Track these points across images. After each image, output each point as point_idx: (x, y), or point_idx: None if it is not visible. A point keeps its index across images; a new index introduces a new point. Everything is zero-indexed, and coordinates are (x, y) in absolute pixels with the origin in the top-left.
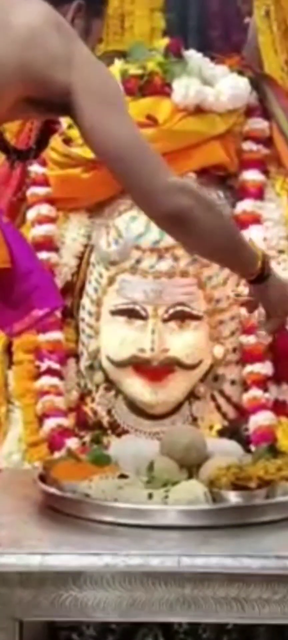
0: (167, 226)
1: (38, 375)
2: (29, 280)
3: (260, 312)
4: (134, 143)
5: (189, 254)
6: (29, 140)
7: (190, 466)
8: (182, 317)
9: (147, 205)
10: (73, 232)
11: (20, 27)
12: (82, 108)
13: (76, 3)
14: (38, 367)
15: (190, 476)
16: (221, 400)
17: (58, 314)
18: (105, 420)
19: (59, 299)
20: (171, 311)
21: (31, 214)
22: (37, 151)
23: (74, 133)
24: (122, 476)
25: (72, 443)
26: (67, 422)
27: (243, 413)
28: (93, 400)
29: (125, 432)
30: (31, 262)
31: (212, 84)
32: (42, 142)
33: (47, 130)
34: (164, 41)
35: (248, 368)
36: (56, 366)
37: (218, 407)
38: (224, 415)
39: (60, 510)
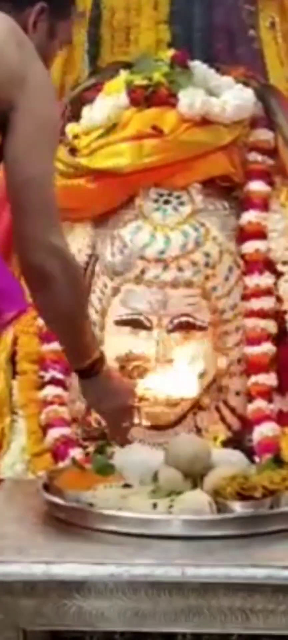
0: (28, 277)
1: (42, 385)
2: None
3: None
4: (49, 188)
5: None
6: None
7: (195, 476)
8: (186, 327)
9: (23, 248)
10: (77, 242)
11: None
12: (20, 126)
13: (38, 6)
14: (42, 377)
15: (194, 486)
16: (225, 411)
17: None
18: None
19: (25, 302)
20: (176, 322)
21: None
22: None
23: (80, 143)
24: (127, 486)
25: (76, 453)
26: (71, 432)
27: (248, 424)
28: None
29: (129, 442)
30: None
31: (218, 95)
32: None
33: None
34: (170, 52)
35: (253, 379)
36: (60, 376)
37: (223, 418)
38: (229, 426)
39: (64, 520)
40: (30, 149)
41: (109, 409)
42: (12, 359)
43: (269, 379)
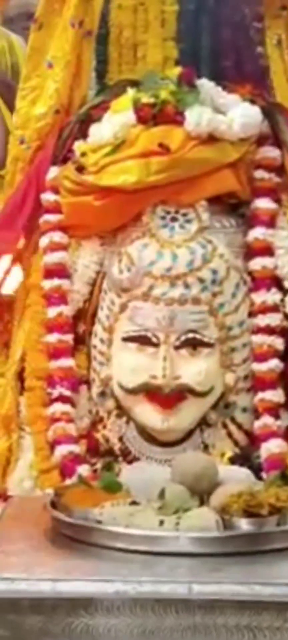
0: None
1: (49, 402)
2: None
3: None
4: None
5: None
6: None
7: (202, 493)
8: (193, 344)
9: None
10: (85, 259)
11: None
12: None
13: None
14: (50, 393)
15: (201, 503)
16: (232, 428)
17: (70, 340)
18: (117, 447)
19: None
20: (183, 338)
21: (43, 242)
22: None
23: (87, 161)
24: (134, 503)
25: (84, 470)
26: (79, 449)
27: (255, 440)
28: (104, 427)
29: (137, 459)
30: None
31: (224, 113)
32: None
33: None
34: (177, 70)
35: (260, 395)
36: (68, 393)
37: (230, 435)
38: (236, 443)
39: (71, 537)
40: None
41: None
42: (20, 376)
43: (276, 396)
